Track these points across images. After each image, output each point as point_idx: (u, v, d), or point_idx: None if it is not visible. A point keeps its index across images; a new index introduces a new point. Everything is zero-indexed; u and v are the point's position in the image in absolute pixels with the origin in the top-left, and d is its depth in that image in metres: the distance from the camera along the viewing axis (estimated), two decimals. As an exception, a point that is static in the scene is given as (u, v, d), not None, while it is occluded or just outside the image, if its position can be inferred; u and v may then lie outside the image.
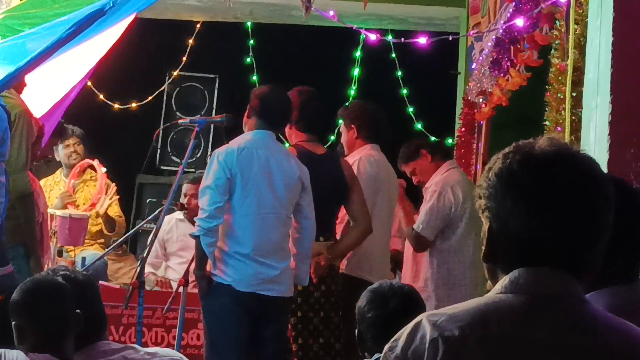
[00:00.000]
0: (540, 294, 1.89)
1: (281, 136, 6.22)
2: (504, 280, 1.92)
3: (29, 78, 6.03)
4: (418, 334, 1.87)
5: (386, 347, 1.91)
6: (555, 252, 1.91)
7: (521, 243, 1.92)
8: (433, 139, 9.37)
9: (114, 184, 8.26)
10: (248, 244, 5.52)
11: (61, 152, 8.17)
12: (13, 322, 3.46)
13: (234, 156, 5.54)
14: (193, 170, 9.38)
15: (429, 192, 6.76)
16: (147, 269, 7.06)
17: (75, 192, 8.18)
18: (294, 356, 5.93)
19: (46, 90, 6.99)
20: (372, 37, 7.13)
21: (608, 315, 1.94)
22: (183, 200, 7.36)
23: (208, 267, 5.52)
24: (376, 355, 3.63)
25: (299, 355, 5.93)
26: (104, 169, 8.14)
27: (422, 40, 6.80)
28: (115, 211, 8.28)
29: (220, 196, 5.49)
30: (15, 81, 5.75)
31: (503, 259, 1.95)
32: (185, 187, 7.36)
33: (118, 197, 8.28)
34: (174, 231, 7.49)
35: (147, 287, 6.43)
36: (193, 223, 7.32)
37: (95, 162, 8.13)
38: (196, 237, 5.50)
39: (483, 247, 1.97)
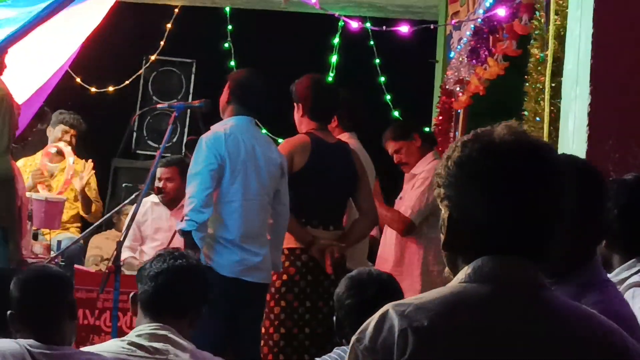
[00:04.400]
0: (505, 283, 1.90)
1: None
2: (467, 269, 1.92)
3: (9, 61, 5.95)
4: (386, 325, 1.86)
5: (353, 338, 1.90)
6: (517, 240, 1.92)
7: (482, 231, 1.92)
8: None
9: (90, 160, 8.19)
10: (234, 230, 5.47)
11: (55, 135, 8.11)
12: (9, 312, 3.47)
13: (222, 142, 5.47)
14: (169, 155, 9.34)
15: (419, 179, 6.78)
16: (127, 253, 7.04)
17: (53, 177, 8.13)
18: (275, 346, 5.84)
19: (28, 76, 6.92)
20: (354, 24, 7.11)
21: (572, 302, 1.96)
22: (158, 184, 7.30)
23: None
24: (354, 342, 3.64)
25: (280, 345, 5.82)
26: (72, 159, 8.06)
27: (404, 29, 6.79)
28: (93, 195, 8.25)
29: (212, 182, 5.38)
30: None
31: (464, 248, 1.95)
32: (160, 171, 7.26)
33: (93, 172, 8.20)
34: (149, 214, 7.43)
35: (128, 272, 6.40)
36: (169, 207, 7.32)
37: (68, 149, 8.06)
38: (187, 233, 5.32)
39: (442, 236, 1.97)
